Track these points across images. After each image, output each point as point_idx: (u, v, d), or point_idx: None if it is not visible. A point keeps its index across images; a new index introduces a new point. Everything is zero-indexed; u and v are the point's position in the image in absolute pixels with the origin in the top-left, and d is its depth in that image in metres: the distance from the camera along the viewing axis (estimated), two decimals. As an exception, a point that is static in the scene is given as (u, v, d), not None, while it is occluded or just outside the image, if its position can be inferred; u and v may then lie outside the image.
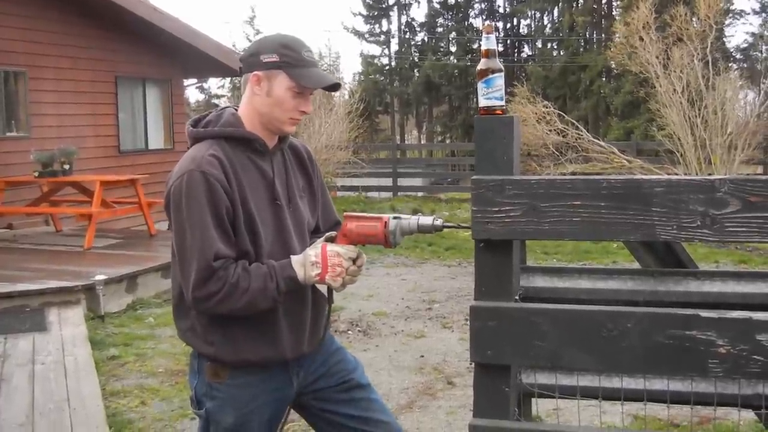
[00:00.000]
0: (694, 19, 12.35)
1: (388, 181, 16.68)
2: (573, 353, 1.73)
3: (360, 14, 36.08)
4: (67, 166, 8.42)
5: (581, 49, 30.65)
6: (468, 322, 1.85)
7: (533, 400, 2.73)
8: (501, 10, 36.13)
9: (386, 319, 6.28)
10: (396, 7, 35.83)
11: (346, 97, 18.31)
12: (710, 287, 2.46)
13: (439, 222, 1.96)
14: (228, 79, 29.25)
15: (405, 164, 18.66)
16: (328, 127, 14.49)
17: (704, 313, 1.64)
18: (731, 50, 27.72)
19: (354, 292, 6.75)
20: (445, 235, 9.85)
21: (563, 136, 12.47)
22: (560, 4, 32.43)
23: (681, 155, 11.67)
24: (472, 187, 1.76)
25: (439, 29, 36.26)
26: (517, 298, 1.88)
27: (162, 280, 6.96)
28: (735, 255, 9.06)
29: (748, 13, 36.60)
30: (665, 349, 1.65)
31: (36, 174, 8.36)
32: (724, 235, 1.62)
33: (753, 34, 30.00)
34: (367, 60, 35.80)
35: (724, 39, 25.21)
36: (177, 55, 11.65)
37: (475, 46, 33.01)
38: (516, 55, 35.85)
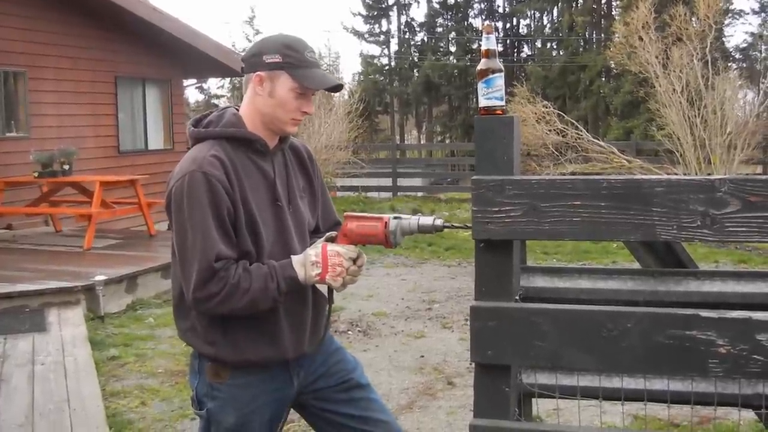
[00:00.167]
0: (693, 18, 12.35)
1: (387, 181, 16.68)
2: (573, 353, 1.73)
3: (359, 14, 36.17)
4: (66, 167, 8.41)
5: (581, 49, 30.68)
6: (468, 322, 1.85)
7: (533, 400, 2.73)
8: (500, 10, 36.21)
9: (386, 319, 6.27)
10: (395, 7, 35.87)
11: (346, 97, 18.30)
12: (710, 287, 2.45)
13: (439, 222, 1.96)
14: (228, 80, 29.31)
15: (405, 164, 18.67)
16: (328, 127, 14.49)
17: (704, 313, 1.64)
18: (730, 50, 27.78)
19: (354, 292, 6.75)
20: (445, 235, 9.85)
21: (563, 136, 12.47)
22: (560, 4, 32.47)
23: (680, 155, 11.68)
24: (472, 187, 1.76)
25: (439, 29, 36.31)
26: (517, 298, 1.88)
27: (162, 280, 6.96)
28: (735, 255, 9.07)
29: (748, 13, 36.75)
30: (665, 349, 1.65)
31: (36, 174, 8.35)
32: (724, 235, 1.62)
33: (752, 34, 30.11)
34: (367, 60, 35.84)
35: (724, 39, 25.26)
36: (177, 55, 11.65)
37: (475, 46, 33.04)
38: (515, 55, 35.89)
